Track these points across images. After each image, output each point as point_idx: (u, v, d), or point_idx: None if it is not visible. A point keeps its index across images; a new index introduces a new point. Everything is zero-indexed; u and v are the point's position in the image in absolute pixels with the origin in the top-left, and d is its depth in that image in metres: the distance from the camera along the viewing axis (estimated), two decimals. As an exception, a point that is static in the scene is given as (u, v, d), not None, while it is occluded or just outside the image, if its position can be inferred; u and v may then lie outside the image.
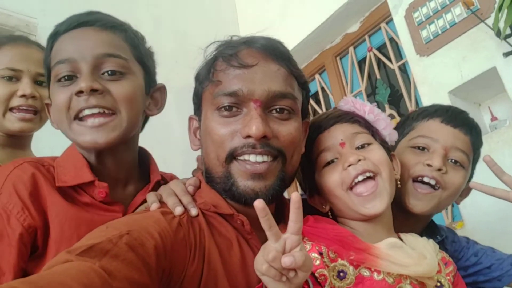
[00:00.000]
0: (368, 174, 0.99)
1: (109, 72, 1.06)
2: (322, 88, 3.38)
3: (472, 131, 1.22)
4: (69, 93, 1.03)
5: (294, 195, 0.75)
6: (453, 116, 1.21)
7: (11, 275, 0.93)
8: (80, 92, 1.02)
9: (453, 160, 1.17)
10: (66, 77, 1.04)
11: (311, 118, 1.15)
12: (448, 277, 1.02)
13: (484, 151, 2.04)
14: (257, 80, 0.96)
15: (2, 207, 0.97)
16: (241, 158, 0.96)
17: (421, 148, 1.19)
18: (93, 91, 1.02)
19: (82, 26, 1.08)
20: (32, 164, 1.05)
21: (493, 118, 2.26)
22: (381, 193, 0.98)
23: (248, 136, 0.94)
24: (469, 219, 2.12)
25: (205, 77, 1.03)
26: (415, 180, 1.16)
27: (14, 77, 1.38)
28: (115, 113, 1.05)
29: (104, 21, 1.10)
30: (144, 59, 1.16)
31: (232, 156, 0.96)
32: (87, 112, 1.02)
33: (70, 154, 1.11)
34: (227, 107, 0.97)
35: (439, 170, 1.14)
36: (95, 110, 1.03)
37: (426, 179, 1.14)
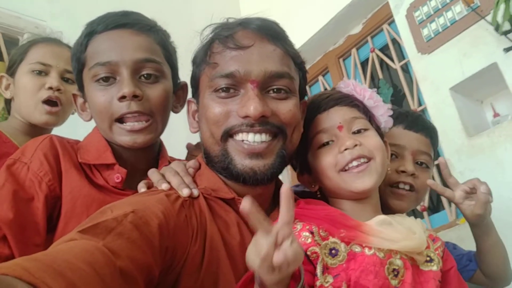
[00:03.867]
0: (362, 160, 1.00)
1: (145, 76, 1.12)
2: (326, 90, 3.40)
3: (431, 133, 1.31)
4: (109, 96, 1.09)
5: (284, 187, 0.74)
6: (414, 121, 1.28)
7: (42, 235, 1.01)
8: (122, 98, 1.07)
9: (419, 162, 1.26)
10: (104, 78, 1.10)
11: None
12: (437, 252, 1.04)
13: (486, 145, 2.09)
14: (254, 61, 0.97)
15: (33, 174, 1.04)
16: (238, 137, 0.97)
17: (390, 155, 1.21)
18: (134, 96, 1.08)
19: (120, 28, 1.13)
20: (58, 139, 1.13)
21: (495, 115, 2.27)
22: (371, 172, 1.00)
23: (246, 116, 0.94)
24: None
25: (202, 60, 1.03)
26: (392, 186, 1.22)
27: (43, 71, 1.49)
28: (152, 116, 1.12)
29: (141, 23, 1.16)
30: (172, 58, 1.22)
31: (228, 134, 0.97)
32: (128, 115, 1.09)
33: (93, 139, 1.17)
34: (224, 89, 0.98)
35: (412, 175, 1.22)
36: (136, 115, 1.09)
37: (401, 185, 1.22)
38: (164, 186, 0.98)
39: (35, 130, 1.50)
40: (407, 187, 1.21)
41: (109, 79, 1.10)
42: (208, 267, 0.89)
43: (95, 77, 1.10)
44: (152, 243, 0.79)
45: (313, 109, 1.09)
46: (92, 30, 1.13)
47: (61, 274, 0.60)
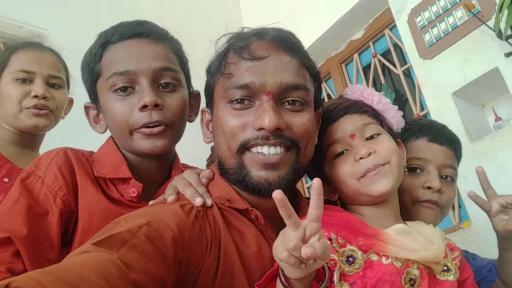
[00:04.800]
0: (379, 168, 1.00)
1: (163, 85, 1.12)
2: (329, 95, 3.41)
3: (456, 145, 1.27)
4: (129, 106, 1.08)
5: (315, 181, 0.74)
6: (438, 134, 1.25)
7: (56, 250, 0.99)
8: (144, 107, 1.07)
9: (443, 176, 1.22)
10: (122, 88, 1.09)
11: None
12: (455, 262, 1.04)
13: (489, 150, 2.09)
14: (269, 72, 0.96)
15: (48, 188, 1.02)
16: (254, 150, 0.96)
17: (414, 169, 1.21)
18: (155, 106, 1.08)
19: (135, 37, 1.12)
20: (73, 152, 1.11)
21: (497, 119, 2.29)
22: (387, 174, 1.00)
23: (261, 129, 0.93)
24: (476, 218, 2.13)
25: (217, 70, 1.02)
26: (419, 202, 1.19)
27: (27, 79, 1.45)
28: (171, 126, 1.11)
29: (156, 32, 1.15)
30: (185, 66, 1.22)
31: (244, 148, 0.96)
32: (149, 125, 1.08)
33: (108, 151, 1.16)
34: (239, 100, 0.97)
35: (439, 191, 1.18)
36: (156, 123, 1.09)
37: (426, 203, 1.18)
38: (170, 198, 0.98)
39: (25, 139, 1.48)
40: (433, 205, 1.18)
41: (127, 89, 1.09)
42: (222, 278, 0.89)
43: (113, 87, 1.09)
44: (166, 256, 0.79)
45: (324, 121, 1.09)
46: (106, 40, 1.12)
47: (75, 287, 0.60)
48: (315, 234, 0.74)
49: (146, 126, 1.08)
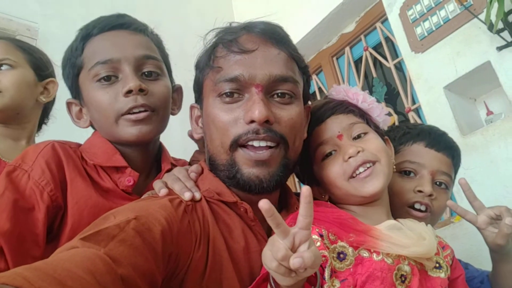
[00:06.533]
0: (368, 165, 1.00)
1: (146, 73, 1.13)
2: (320, 89, 3.40)
3: (453, 153, 1.27)
4: (113, 93, 1.08)
5: (304, 189, 0.74)
6: (436, 140, 1.25)
7: (41, 247, 0.97)
8: (128, 92, 1.07)
9: (437, 183, 1.22)
10: (105, 78, 1.09)
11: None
12: (446, 259, 1.04)
13: (480, 144, 2.10)
14: (258, 65, 0.97)
15: (34, 182, 1.00)
16: (245, 145, 0.96)
17: (407, 172, 1.22)
18: (140, 90, 1.08)
19: (116, 29, 1.14)
20: (60, 145, 1.09)
21: (489, 113, 2.29)
22: (377, 174, 1.00)
23: (251, 122, 0.94)
24: (467, 212, 2.14)
25: (206, 64, 1.03)
26: (408, 206, 1.19)
27: None
28: (156, 112, 1.12)
29: (136, 24, 1.17)
30: (167, 59, 1.23)
31: (236, 144, 0.96)
32: (135, 110, 1.08)
33: (97, 142, 1.14)
34: (228, 93, 0.97)
35: (430, 195, 1.18)
36: (142, 109, 1.09)
37: (417, 206, 1.18)
38: (162, 191, 0.98)
39: (13, 131, 1.43)
40: (423, 207, 1.18)
41: (110, 78, 1.09)
42: (211, 271, 0.90)
43: (96, 77, 1.09)
44: (155, 250, 0.79)
45: (310, 122, 1.09)
46: (87, 33, 1.13)
47: (61, 283, 0.60)
48: (304, 242, 0.73)
49: (131, 111, 1.08)
